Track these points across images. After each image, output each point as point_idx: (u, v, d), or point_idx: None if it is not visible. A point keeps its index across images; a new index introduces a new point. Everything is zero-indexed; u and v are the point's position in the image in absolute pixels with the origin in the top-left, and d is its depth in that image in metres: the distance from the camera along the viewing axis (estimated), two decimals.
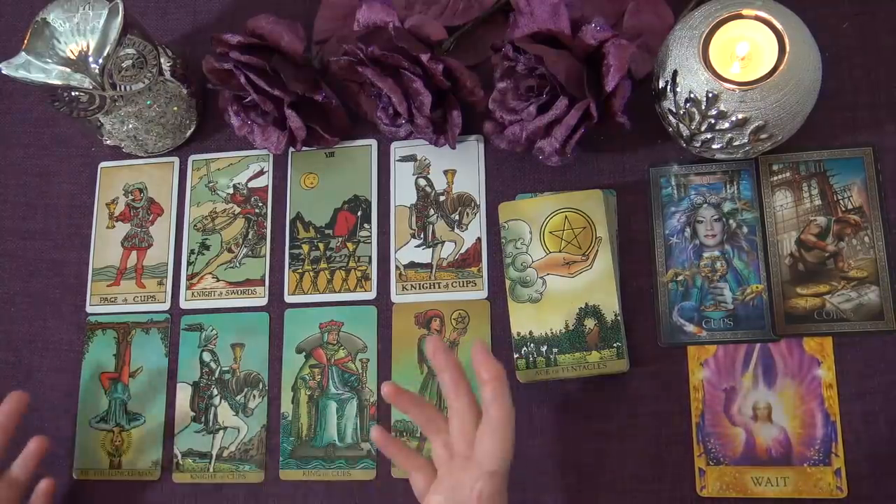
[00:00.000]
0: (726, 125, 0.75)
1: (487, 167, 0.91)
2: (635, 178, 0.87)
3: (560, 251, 0.84)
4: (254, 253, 0.93)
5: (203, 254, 0.94)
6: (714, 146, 0.79)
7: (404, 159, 0.93)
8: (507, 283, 0.85)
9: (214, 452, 0.89)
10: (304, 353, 0.90)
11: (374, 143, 0.94)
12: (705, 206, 0.85)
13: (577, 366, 0.82)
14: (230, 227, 0.95)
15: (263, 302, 0.92)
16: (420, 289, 0.89)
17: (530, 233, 0.85)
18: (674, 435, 0.81)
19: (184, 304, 0.93)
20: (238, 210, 0.95)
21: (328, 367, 0.89)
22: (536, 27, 0.80)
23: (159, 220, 0.96)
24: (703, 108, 0.75)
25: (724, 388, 0.81)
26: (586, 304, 0.82)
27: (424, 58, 0.82)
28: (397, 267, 0.90)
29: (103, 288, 0.95)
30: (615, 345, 0.81)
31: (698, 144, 0.79)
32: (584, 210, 0.84)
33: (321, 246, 0.92)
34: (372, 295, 0.90)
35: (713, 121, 0.76)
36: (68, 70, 0.84)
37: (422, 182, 0.92)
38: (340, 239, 0.92)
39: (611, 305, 0.82)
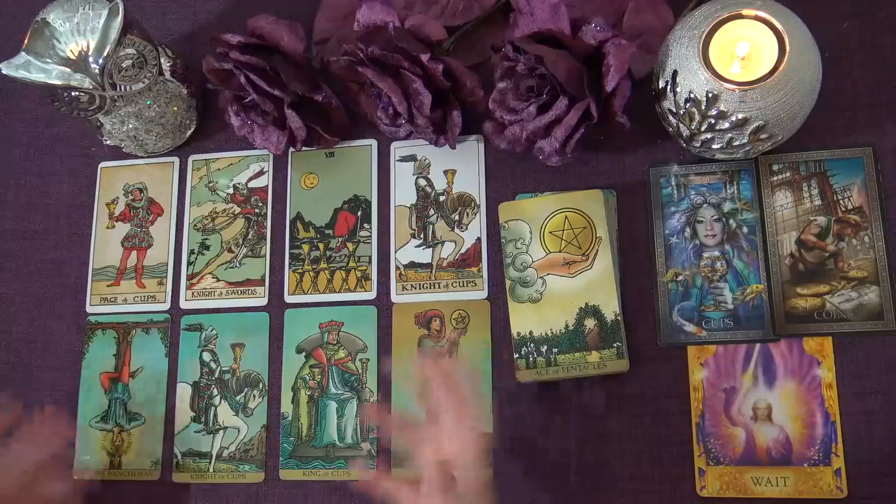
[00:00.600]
0: (726, 125, 0.75)
1: (487, 167, 0.91)
2: (635, 178, 0.87)
3: (560, 251, 0.84)
4: (254, 253, 0.93)
5: (203, 254, 0.94)
6: (714, 146, 0.78)
7: (404, 159, 0.93)
8: (507, 283, 0.85)
9: (214, 452, 0.89)
10: (304, 353, 0.90)
11: (374, 143, 0.93)
12: (705, 206, 0.85)
13: (577, 366, 0.82)
14: (230, 227, 0.94)
15: (263, 302, 0.92)
16: (420, 289, 0.89)
17: (530, 233, 0.85)
18: (674, 435, 0.81)
19: (184, 305, 0.93)
20: (238, 210, 0.95)
21: (328, 367, 0.89)
22: (536, 27, 0.80)
23: (159, 220, 0.96)
24: (703, 108, 0.75)
25: (724, 388, 0.81)
26: (586, 304, 0.82)
27: (424, 58, 0.82)
28: (397, 267, 0.90)
29: (103, 288, 0.95)
30: (615, 345, 0.81)
31: (698, 144, 0.79)
32: (584, 210, 0.84)
33: (321, 246, 0.92)
34: (372, 295, 0.90)
35: (713, 121, 0.76)
36: (68, 70, 0.84)
37: (422, 182, 0.92)
38: (340, 239, 0.92)
39: (611, 305, 0.82)
